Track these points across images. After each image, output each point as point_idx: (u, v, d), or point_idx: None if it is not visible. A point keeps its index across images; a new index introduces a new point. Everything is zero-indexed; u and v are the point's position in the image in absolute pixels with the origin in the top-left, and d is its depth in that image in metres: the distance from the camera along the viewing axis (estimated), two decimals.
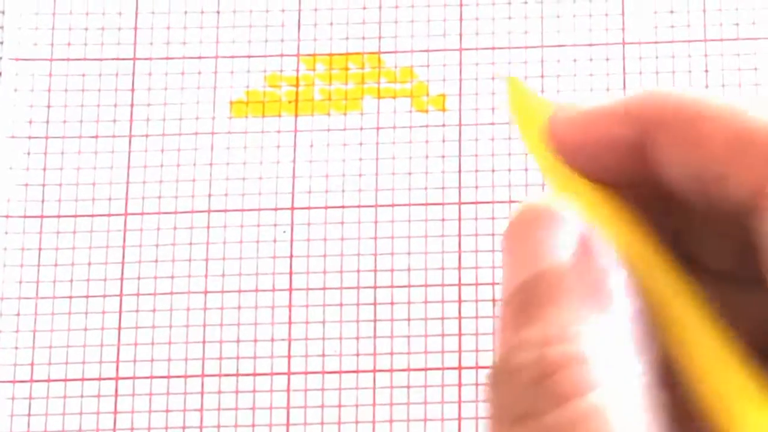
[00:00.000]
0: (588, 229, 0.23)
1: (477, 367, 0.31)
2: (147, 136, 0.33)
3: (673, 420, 0.21)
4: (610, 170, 0.23)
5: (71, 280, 0.32)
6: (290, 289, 0.32)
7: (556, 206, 0.23)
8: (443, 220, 0.32)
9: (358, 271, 0.32)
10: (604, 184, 0.24)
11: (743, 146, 0.21)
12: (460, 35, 0.33)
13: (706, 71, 0.33)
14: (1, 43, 0.34)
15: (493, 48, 0.33)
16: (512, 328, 0.23)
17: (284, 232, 0.32)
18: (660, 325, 0.22)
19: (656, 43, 0.33)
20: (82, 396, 0.31)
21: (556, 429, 0.21)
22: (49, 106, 0.33)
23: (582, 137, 0.24)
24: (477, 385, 0.31)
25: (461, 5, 0.34)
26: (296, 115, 0.33)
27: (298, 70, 0.33)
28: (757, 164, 0.21)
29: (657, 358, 0.22)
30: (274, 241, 0.32)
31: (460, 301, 0.32)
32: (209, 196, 0.33)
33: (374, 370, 0.31)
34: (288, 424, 0.31)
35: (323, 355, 0.31)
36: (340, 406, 0.31)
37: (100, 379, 0.31)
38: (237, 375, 0.31)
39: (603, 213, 0.23)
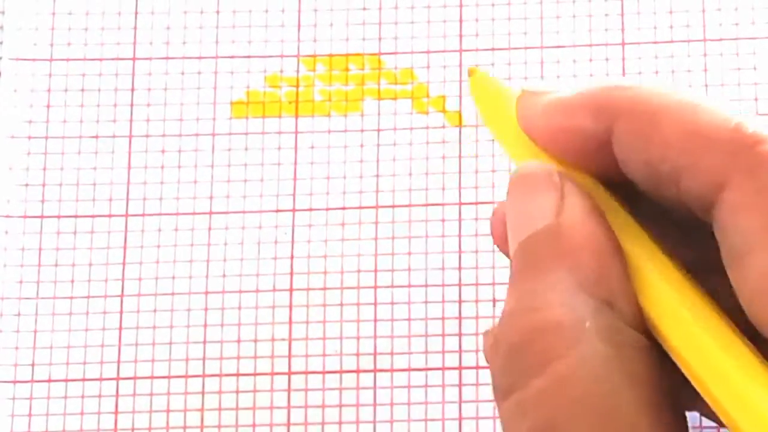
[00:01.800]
0: (576, 198, 0.23)
1: (477, 367, 0.31)
2: (147, 136, 0.33)
3: (654, 381, 0.21)
4: (577, 158, 0.23)
5: (72, 281, 0.32)
6: (291, 290, 0.32)
7: (549, 173, 0.23)
8: (443, 220, 0.32)
9: (359, 271, 0.32)
10: (577, 171, 0.24)
11: (700, 141, 0.21)
12: (460, 36, 0.33)
13: (706, 71, 0.33)
14: (1, 43, 0.34)
15: (493, 49, 0.33)
16: (506, 298, 0.23)
17: (285, 233, 0.32)
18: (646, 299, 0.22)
19: (655, 43, 0.33)
20: (83, 396, 0.31)
21: (537, 399, 0.21)
22: (49, 106, 0.33)
23: (548, 126, 0.24)
24: (477, 385, 0.31)
25: (461, 6, 0.34)
26: (296, 116, 0.33)
27: (298, 71, 0.34)
28: (713, 159, 0.21)
29: (632, 315, 0.22)
30: (276, 242, 0.32)
31: (460, 301, 0.32)
32: (210, 197, 0.33)
33: (375, 370, 0.31)
34: (289, 424, 0.31)
35: (324, 355, 0.31)
36: (341, 405, 0.31)
37: (101, 379, 0.31)
38: (238, 375, 0.31)
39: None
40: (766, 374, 0.19)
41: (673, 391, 0.21)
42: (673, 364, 0.21)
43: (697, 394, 0.20)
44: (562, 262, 0.22)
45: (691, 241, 0.22)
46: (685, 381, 0.21)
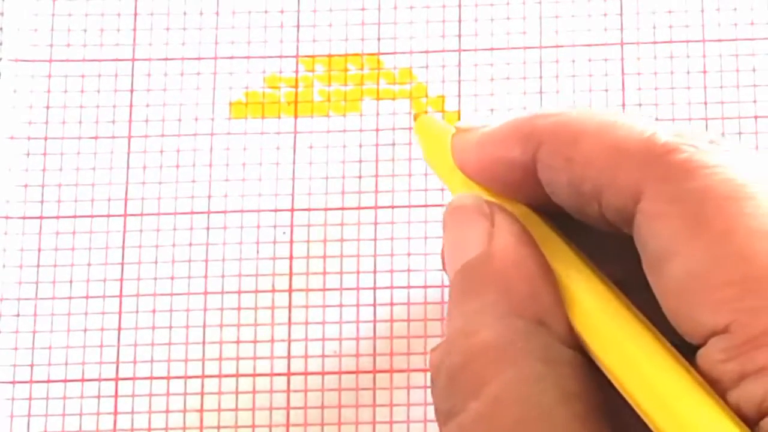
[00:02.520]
0: (506, 225, 0.24)
1: None
2: (146, 137, 0.33)
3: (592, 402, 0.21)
4: (510, 188, 0.24)
5: (71, 281, 0.32)
6: (290, 290, 0.32)
7: (480, 204, 0.24)
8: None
9: (358, 272, 0.32)
10: (510, 200, 0.24)
11: (616, 157, 0.21)
12: (459, 36, 0.33)
13: (705, 72, 0.33)
14: (1, 44, 0.34)
15: (492, 49, 0.33)
16: (446, 324, 0.24)
17: (284, 233, 0.32)
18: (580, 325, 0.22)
19: (654, 43, 0.33)
20: (81, 397, 0.31)
21: (475, 422, 0.21)
22: (48, 107, 0.33)
23: (480, 160, 0.25)
24: None
25: (460, 6, 0.34)
26: (296, 117, 0.33)
27: (297, 72, 0.34)
28: (629, 172, 0.21)
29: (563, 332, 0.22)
30: (274, 242, 0.32)
31: None
32: (209, 197, 0.33)
33: (374, 371, 0.31)
34: (288, 425, 0.31)
35: (323, 356, 0.31)
36: (340, 406, 0.31)
37: (99, 379, 0.31)
38: (237, 376, 0.31)
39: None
40: (691, 385, 0.20)
41: (610, 405, 0.21)
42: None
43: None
44: (495, 287, 0.23)
45: (621, 257, 0.23)
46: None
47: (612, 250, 0.23)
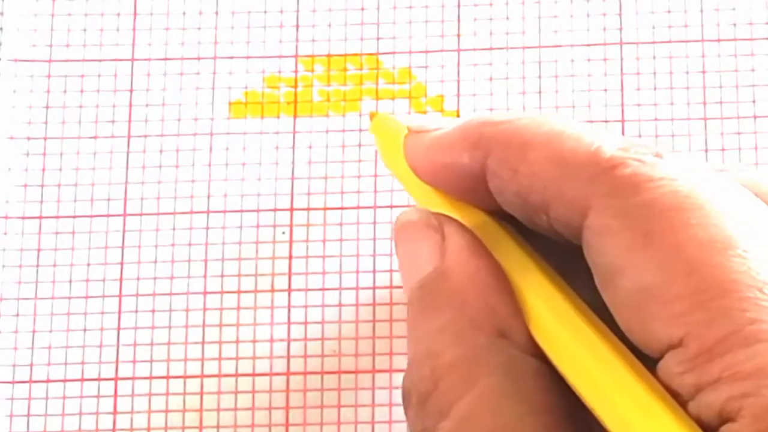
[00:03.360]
0: (456, 237, 0.23)
1: None
2: (146, 136, 0.33)
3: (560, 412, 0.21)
4: (463, 193, 0.24)
5: (70, 281, 0.32)
6: (289, 290, 0.32)
7: (428, 218, 0.24)
8: None
9: (357, 272, 0.32)
10: (465, 205, 0.24)
11: (563, 170, 0.21)
12: (458, 36, 0.33)
13: (704, 72, 0.33)
14: (0, 44, 0.34)
15: (491, 48, 0.33)
16: (407, 346, 0.24)
17: (283, 233, 0.32)
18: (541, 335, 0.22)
19: (654, 43, 0.33)
20: (81, 396, 0.31)
21: None
22: (47, 107, 0.33)
23: (431, 164, 0.24)
24: None
25: (459, 6, 0.34)
26: (295, 116, 0.33)
27: (296, 71, 0.34)
28: (576, 186, 0.21)
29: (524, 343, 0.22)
30: (273, 242, 0.32)
31: None
32: (208, 197, 0.33)
33: (373, 371, 0.31)
34: (287, 424, 0.31)
35: (322, 356, 0.31)
36: (339, 406, 0.31)
37: (99, 379, 0.31)
38: (236, 375, 0.31)
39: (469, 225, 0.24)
40: (644, 394, 0.20)
41: (576, 411, 0.21)
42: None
43: None
44: (451, 303, 0.23)
45: (581, 263, 0.23)
46: None
47: (575, 253, 0.23)
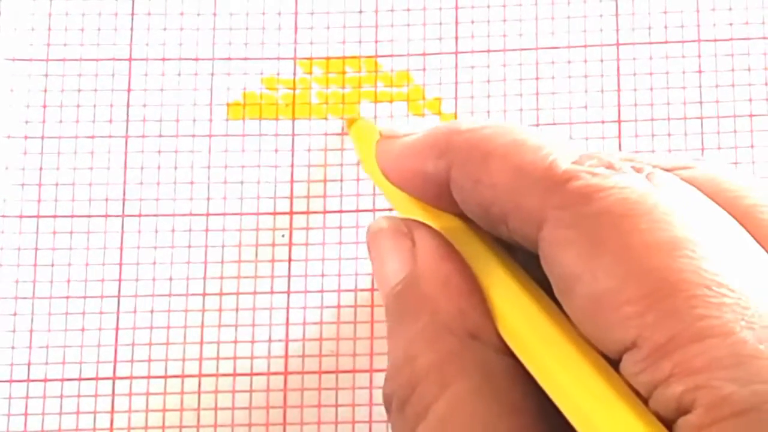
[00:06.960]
0: (427, 243, 0.24)
1: None
2: (144, 137, 0.33)
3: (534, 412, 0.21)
4: (434, 199, 0.24)
5: (68, 281, 0.32)
6: (288, 292, 0.32)
7: (397, 225, 0.25)
8: None
9: (356, 274, 0.32)
10: (435, 209, 0.25)
11: (520, 182, 0.22)
12: (456, 38, 0.34)
13: (700, 72, 0.33)
14: None
15: (489, 51, 0.33)
16: (387, 352, 0.24)
17: (283, 236, 0.32)
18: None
19: (650, 43, 0.33)
20: (79, 395, 0.31)
21: None
22: (45, 107, 0.33)
23: (401, 170, 0.25)
24: None
25: (457, 8, 0.34)
26: (293, 119, 0.33)
27: (295, 74, 0.34)
28: (531, 199, 0.22)
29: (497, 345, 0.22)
30: (273, 245, 0.32)
31: None
32: (207, 199, 0.33)
33: (371, 370, 0.31)
34: (285, 424, 0.31)
35: (320, 356, 0.31)
36: (336, 405, 0.31)
37: (97, 378, 0.31)
38: (234, 375, 0.31)
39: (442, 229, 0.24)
40: (604, 391, 0.20)
41: (548, 408, 0.21)
42: None
43: None
44: (424, 308, 0.23)
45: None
46: None
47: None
